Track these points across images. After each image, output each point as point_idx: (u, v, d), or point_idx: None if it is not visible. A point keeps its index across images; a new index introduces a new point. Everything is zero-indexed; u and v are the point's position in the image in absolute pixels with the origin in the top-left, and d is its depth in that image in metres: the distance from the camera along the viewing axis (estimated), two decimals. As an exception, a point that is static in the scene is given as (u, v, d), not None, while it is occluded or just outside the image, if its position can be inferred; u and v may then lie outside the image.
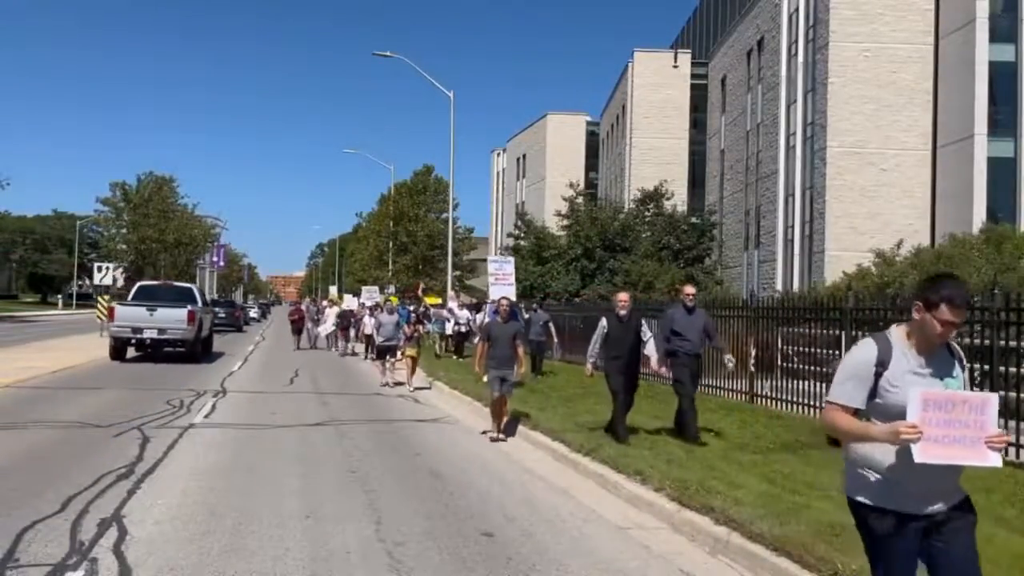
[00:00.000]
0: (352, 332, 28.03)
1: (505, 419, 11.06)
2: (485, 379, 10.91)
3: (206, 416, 12.09)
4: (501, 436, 10.70)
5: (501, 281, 21.58)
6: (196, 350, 21.59)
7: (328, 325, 28.36)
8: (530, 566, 5.56)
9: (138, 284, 23.68)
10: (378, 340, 17.60)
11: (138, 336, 20.76)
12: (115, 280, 37.41)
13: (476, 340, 17.41)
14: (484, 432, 11.12)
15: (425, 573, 5.36)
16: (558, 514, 7.04)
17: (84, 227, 79.53)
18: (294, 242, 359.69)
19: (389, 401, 15.26)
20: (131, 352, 21.60)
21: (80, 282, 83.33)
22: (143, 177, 65.15)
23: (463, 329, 24.70)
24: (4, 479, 7.60)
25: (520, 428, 11.36)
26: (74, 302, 75.38)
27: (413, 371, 17.16)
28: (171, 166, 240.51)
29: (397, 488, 7.78)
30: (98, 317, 31.96)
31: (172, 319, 20.77)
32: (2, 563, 5.21)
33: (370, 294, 34.13)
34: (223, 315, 38.33)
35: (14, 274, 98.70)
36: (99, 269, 37.97)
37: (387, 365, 17.80)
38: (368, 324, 24.26)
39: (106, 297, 33.51)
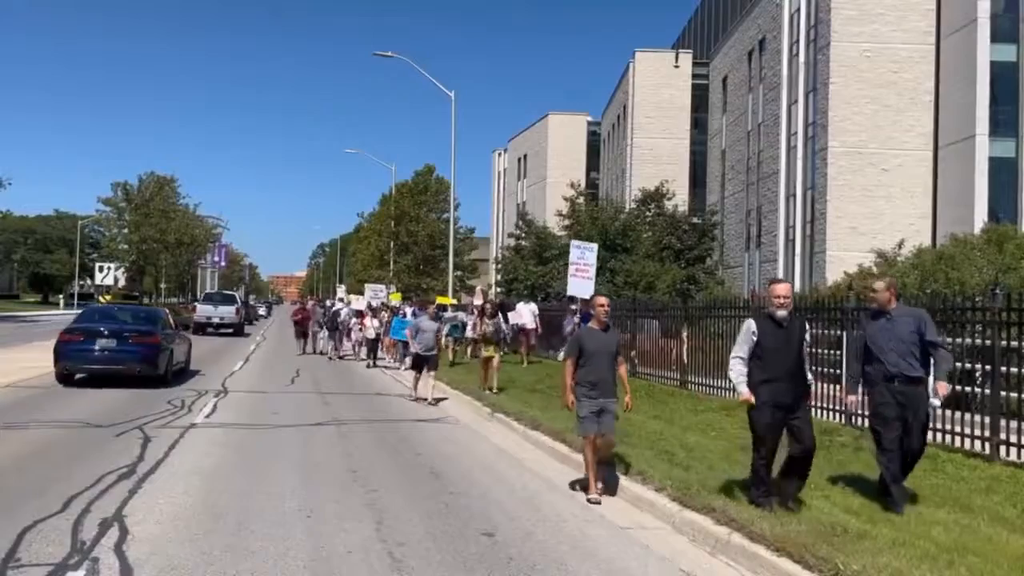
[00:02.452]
0: (339, 334, 26.16)
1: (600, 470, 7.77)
2: (577, 413, 7.70)
3: (207, 416, 12.10)
4: (599, 496, 7.45)
5: (581, 274, 16.92)
6: (241, 330, 37.42)
7: (360, 331, 25.04)
8: (531, 566, 5.56)
9: (205, 293, 38.73)
10: (415, 348, 15.15)
11: (210, 321, 35.60)
12: (116, 280, 37.41)
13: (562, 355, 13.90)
14: (574, 486, 8.00)
15: (426, 573, 5.36)
16: (559, 514, 7.04)
17: (86, 227, 79.56)
18: (295, 242, 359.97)
19: (390, 401, 15.27)
20: None
21: (81, 282, 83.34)
22: (144, 177, 65.27)
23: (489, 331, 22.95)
24: (5, 479, 7.62)
25: (521, 428, 11.35)
26: (75, 302, 75.31)
27: (487, 376, 15.50)
28: (172, 166, 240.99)
29: (398, 488, 7.78)
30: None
31: (228, 312, 36.65)
32: (4, 563, 5.21)
33: (375, 293, 31.09)
34: (263, 312, 54.56)
35: (15, 274, 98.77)
36: (100, 269, 38.07)
37: (422, 378, 15.21)
38: (370, 327, 23.45)
39: (107, 297, 33.47)
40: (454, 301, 30.77)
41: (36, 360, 19.88)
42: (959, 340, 9.82)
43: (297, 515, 6.61)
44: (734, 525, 6.07)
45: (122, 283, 41.30)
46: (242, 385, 16.60)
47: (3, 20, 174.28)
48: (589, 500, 7.42)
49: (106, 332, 15.90)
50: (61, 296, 78.77)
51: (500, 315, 22.63)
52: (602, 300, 8.09)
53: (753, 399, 6.60)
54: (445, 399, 15.27)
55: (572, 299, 18.60)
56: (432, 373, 15.07)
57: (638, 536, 6.46)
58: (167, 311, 20.54)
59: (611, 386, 7.72)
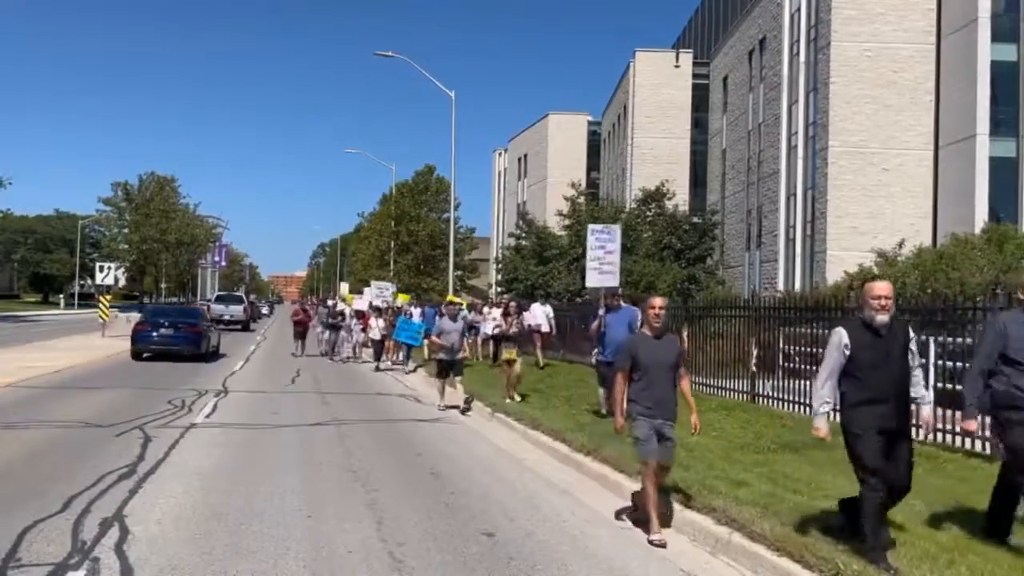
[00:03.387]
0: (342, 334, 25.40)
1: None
2: (631, 433, 6.53)
3: (208, 416, 12.10)
4: (662, 536, 6.18)
5: (605, 265, 14.37)
6: (247, 326, 42.35)
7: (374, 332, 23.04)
8: (531, 566, 5.56)
9: (216, 294, 46.31)
10: (439, 354, 13.98)
11: (222, 318, 38.05)
12: (117, 280, 37.41)
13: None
14: (620, 516, 6.90)
15: (426, 573, 5.36)
16: (559, 514, 7.04)
17: (86, 227, 79.61)
18: (295, 242, 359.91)
19: (390, 401, 15.27)
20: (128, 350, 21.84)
21: (82, 282, 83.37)
22: (145, 177, 65.35)
23: (500, 332, 21.51)
24: (6, 478, 7.62)
25: (521, 428, 11.36)
26: (75, 302, 75.38)
27: (515, 381, 14.23)
28: (172, 166, 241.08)
29: (398, 488, 7.78)
30: (100, 317, 31.96)
31: (237, 310, 42.15)
32: (4, 562, 5.21)
33: (380, 291, 28.38)
34: (266, 311, 61.43)
35: (16, 274, 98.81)
36: (101, 269, 37.98)
37: (448, 384, 14.06)
38: (376, 327, 22.49)
39: (108, 297, 33.50)
40: (461, 300, 29.97)
41: (36, 360, 19.89)
42: (960, 340, 9.81)
43: (297, 515, 6.61)
44: (735, 525, 6.06)
45: (122, 283, 41.23)
46: (242, 385, 16.60)
47: (3, 20, 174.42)
48: (651, 542, 6.12)
49: (165, 323, 21.84)
50: (61, 296, 78.74)
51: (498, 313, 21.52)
52: (657, 302, 6.53)
53: (829, 436, 5.52)
54: (467, 409, 13.54)
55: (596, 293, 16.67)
56: (459, 379, 13.82)
57: (639, 536, 6.45)
58: (204, 309, 27.88)
59: (671, 406, 6.41)
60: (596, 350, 12.60)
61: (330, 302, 32.70)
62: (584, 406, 12.65)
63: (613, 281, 13.87)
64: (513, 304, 15.65)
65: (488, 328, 21.24)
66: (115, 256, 59.81)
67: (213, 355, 22.91)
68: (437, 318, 24.15)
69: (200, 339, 21.73)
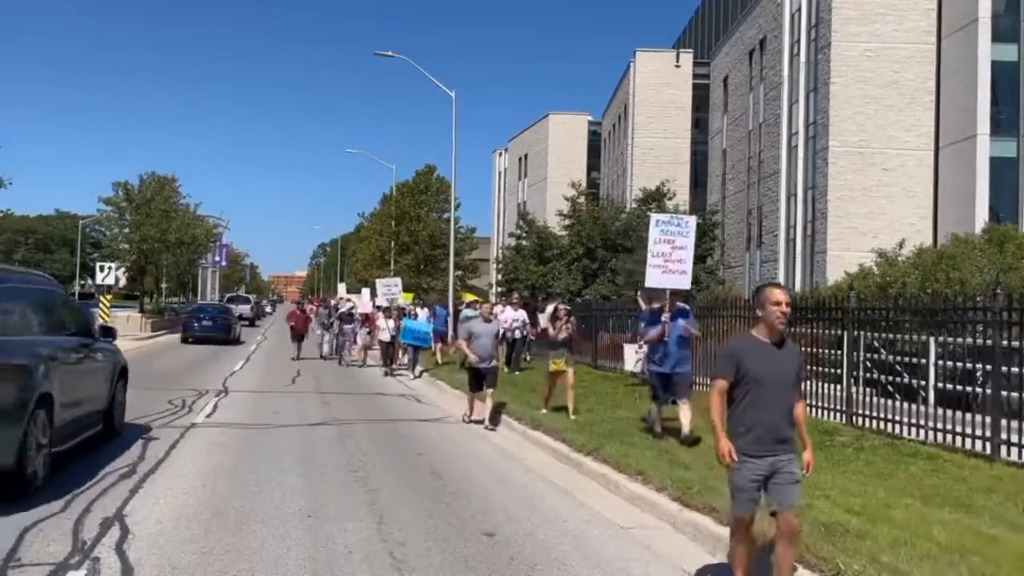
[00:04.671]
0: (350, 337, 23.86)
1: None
2: (729, 478, 4.91)
3: (208, 415, 12.11)
4: None
5: (672, 263, 11.43)
6: (253, 322, 50.77)
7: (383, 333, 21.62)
8: (531, 566, 5.56)
9: (228, 295, 57.30)
10: (472, 360, 12.21)
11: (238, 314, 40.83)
12: (117, 280, 37.34)
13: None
14: None
15: (427, 573, 5.36)
16: (560, 514, 7.04)
17: (86, 227, 79.60)
18: (296, 242, 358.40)
19: (391, 401, 15.27)
20: (131, 352, 21.83)
21: (82, 281, 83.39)
22: (145, 177, 65.15)
23: (517, 335, 19.52)
24: (6, 478, 7.61)
25: (522, 428, 11.35)
26: (76, 302, 75.37)
27: (552, 395, 12.46)
28: (173, 166, 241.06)
29: (399, 487, 7.78)
30: (101, 317, 31.94)
31: (245, 308, 50.26)
32: (4, 562, 5.21)
33: (388, 288, 25.68)
34: (269, 309, 73.76)
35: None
36: (101, 268, 37.90)
37: (478, 396, 12.36)
38: (385, 329, 20.93)
39: (108, 297, 33.49)
40: (474, 298, 28.36)
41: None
42: (960, 340, 9.81)
43: (298, 515, 6.62)
44: (735, 525, 6.06)
45: (123, 283, 41.22)
46: (243, 385, 16.61)
47: (3, 19, 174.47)
48: None
49: (205, 318, 30.52)
50: (62, 296, 78.66)
51: (524, 313, 19.84)
52: (778, 294, 4.86)
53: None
54: (495, 424, 11.98)
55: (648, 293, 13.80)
56: (491, 390, 12.08)
57: (639, 536, 6.45)
58: (229, 310, 35.42)
59: (787, 434, 4.83)
60: (637, 357, 11.67)
61: (333, 301, 31.83)
62: (584, 406, 12.56)
63: (684, 282, 11.43)
64: (564, 307, 13.51)
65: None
66: (116, 256, 59.69)
67: (236, 340, 31.15)
68: (448, 318, 23.78)
69: (230, 328, 30.86)
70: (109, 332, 10.56)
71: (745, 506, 4.78)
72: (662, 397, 10.34)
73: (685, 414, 9.98)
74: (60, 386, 7.42)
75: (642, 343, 11.00)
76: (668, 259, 11.47)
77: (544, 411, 12.08)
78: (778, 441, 4.77)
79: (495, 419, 11.98)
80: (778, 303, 4.84)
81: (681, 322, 10.38)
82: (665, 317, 10.38)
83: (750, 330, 5.05)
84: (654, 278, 11.41)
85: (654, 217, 12.21)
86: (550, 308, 19.52)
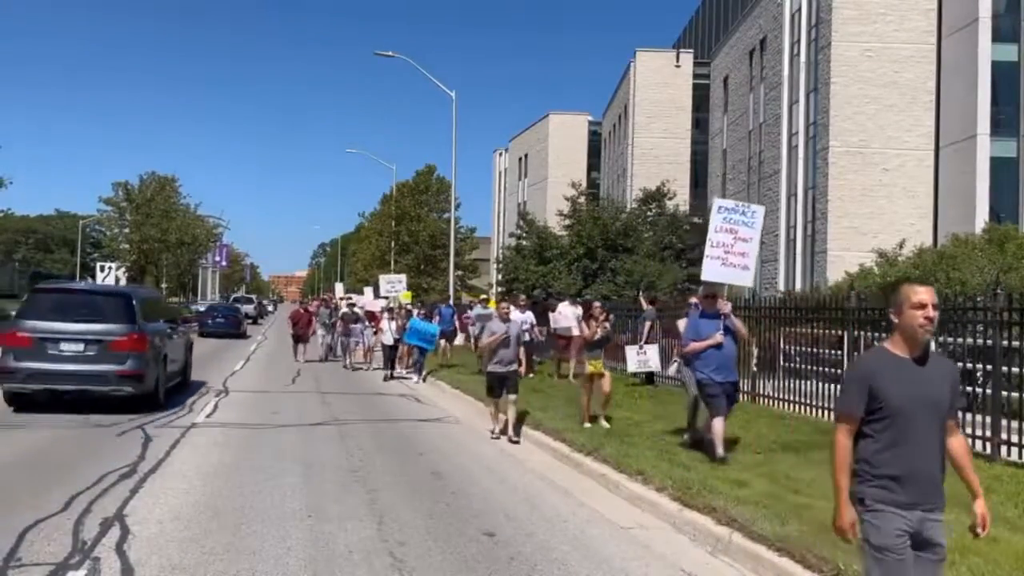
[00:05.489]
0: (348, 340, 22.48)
1: None
2: (863, 536, 3.65)
3: (208, 415, 12.11)
4: None
5: (734, 255, 10.08)
6: (256, 320, 53.68)
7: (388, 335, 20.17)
8: (532, 566, 5.56)
9: (233, 296, 59.37)
10: (491, 365, 11.13)
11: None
12: (117, 280, 37.34)
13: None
14: None
15: (427, 573, 5.36)
16: (560, 514, 7.04)
17: (87, 227, 79.61)
18: (296, 242, 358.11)
19: (391, 401, 15.27)
20: None
21: (83, 281, 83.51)
22: (145, 177, 65.20)
23: (526, 337, 16.80)
24: (7, 478, 7.63)
25: (522, 428, 11.34)
26: (76, 301, 75.27)
27: (604, 401, 11.33)
28: (173, 166, 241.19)
29: (399, 488, 7.78)
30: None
31: (250, 308, 52.78)
32: (5, 562, 5.22)
33: (392, 285, 24.82)
34: (272, 308, 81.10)
35: (16, 273, 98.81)
36: (102, 269, 37.93)
37: (500, 405, 11.18)
38: (388, 331, 19.84)
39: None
40: (485, 296, 27.05)
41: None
42: (960, 340, 9.82)
43: (298, 515, 6.62)
44: (735, 525, 6.07)
45: (123, 283, 41.24)
46: (243, 385, 16.61)
47: (3, 19, 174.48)
48: None
49: (218, 315, 35.71)
50: (62, 296, 78.71)
51: (532, 315, 18.62)
52: (923, 295, 3.62)
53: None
54: (517, 440, 10.73)
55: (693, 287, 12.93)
56: (514, 397, 10.92)
57: (639, 536, 6.46)
58: (238, 309, 40.94)
59: (937, 480, 3.76)
60: (675, 365, 10.75)
61: (335, 301, 30.39)
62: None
63: (746, 279, 10.21)
64: (598, 305, 12.22)
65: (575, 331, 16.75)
66: (116, 256, 59.73)
67: (243, 335, 35.70)
68: (456, 319, 23.20)
69: (239, 324, 36.19)
70: (187, 320, 17.44)
71: (893, 572, 3.55)
72: (724, 410, 8.80)
73: (723, 429, 8.74)
74: (168, 350, 13.47)
75: (684, 351, 9.53)
76: (729, 250, 10.11)
77: (588, 425, 10.76)
78: (926, 489, 3.68)
79: (519, 430, 10.85)
80: (922, 305, 3.60)
81: (736, 321, 9.28)
82: (727, 308, 9.09)
83: (882, 343, 3.85)
84: (712, 270, 10.08)
85: (717, 202, 10.62)
86: (563, 306, 18.47)
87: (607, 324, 11.63)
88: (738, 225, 10.16)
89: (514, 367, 11.04)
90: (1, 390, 11.98)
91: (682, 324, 10.03)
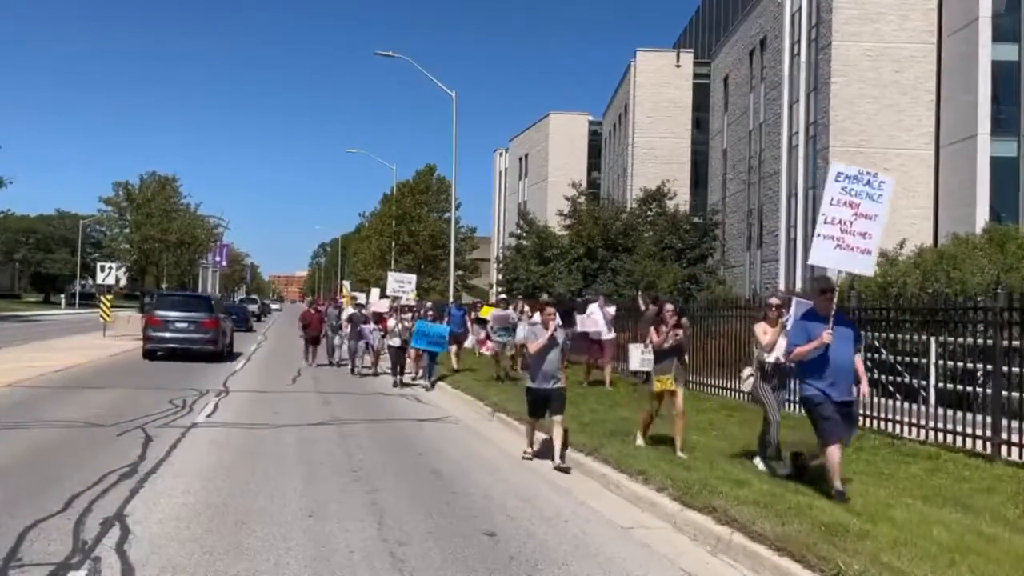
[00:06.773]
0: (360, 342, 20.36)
1: None
2: None
3: (208, 415, 12.11)
4: None
5: (851, 235, 7.77)
6: (260, 317, 56.60)
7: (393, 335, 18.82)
8: (532, 566, 5.56)
9: (240, 297, 73.54)
10: (533, 382, 9.50)
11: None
12: (118, 280, 37.36)
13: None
14: None
15: (427, 573, 5.36)
16: (560, 514, 7.04)
17: (87, 227, 79.63)
18: (296, 242, 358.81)
19: (391, 401, 15.26)
20: (132, 352, 22.28)
21: (83, 281, 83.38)
22: (146, 177, 65.36)
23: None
24: (7, 478, 7.62)
25: (522, 428, 11.33)
26: (77, 301, 75.40)
27: (680, 426, 9.13)
28: (173, 166, 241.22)
29: (399, 488, 7.79)
30: (102, 317, 31.96)
31: (254, 307, 57.15)
32: (5, 562, 5.22)
33: (401, 284, 22.89)
34: (275, 307, 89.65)
35: (17, 273, 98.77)
36: (102, 269, 37.92)
37: (543, 425, 9.64)
38: (396, 333, 18.46)
39: (109, 297, 33.49)
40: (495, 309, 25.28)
41: (38, 360, 19.90)
42: (961, 340, 9.81)
43: (298, 515, 6.62)
44: (735, 525, 6.07)
45: (123, 283, 41.19)
46: (243, 385, 16.60)
47: (3, 19, 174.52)
48: None
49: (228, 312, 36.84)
50: (63, 296, 78.76)
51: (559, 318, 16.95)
52: None
53: None
54: (567, 467, 8.94)
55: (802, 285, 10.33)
56: (558, 418, 9.16)
57: (639, 536, 6.46)
58: (246, 307, 48.41)
59: None
60: (750, 380, 8.65)
61: (340, 300, 28.95)
62: (586, 407, 12.47)
63: (866, 266, 7.99)
64: (670, 307, 9.86)
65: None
66: (116, 256, 59.81)
67: (250, 329, 40.27)
68: (467, 320, 22.44)
69: (247, 320, 41.81)
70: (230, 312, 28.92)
71: None
72: (842, 436, 7.14)
73: (839, 460, 6.98)
74: (226, 329, 23.68)
75: (791, 356, 7.55)
76: (847, 229, 7.77)
77: (640, 443, 9.32)
78: None
79: (564, 454, 9.11)
80: None
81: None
82: (832, 326, 7.10)
83: None
84: (822, 253, 7.83)
85: (835, 167, 8.09)
86: (593, 307, 16.73)
87: (680, 331, 9.39)
88: (860, 198, 7.87)
89: (559, 383, 9.38)
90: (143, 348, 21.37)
91: (759, 329, 8.52)
